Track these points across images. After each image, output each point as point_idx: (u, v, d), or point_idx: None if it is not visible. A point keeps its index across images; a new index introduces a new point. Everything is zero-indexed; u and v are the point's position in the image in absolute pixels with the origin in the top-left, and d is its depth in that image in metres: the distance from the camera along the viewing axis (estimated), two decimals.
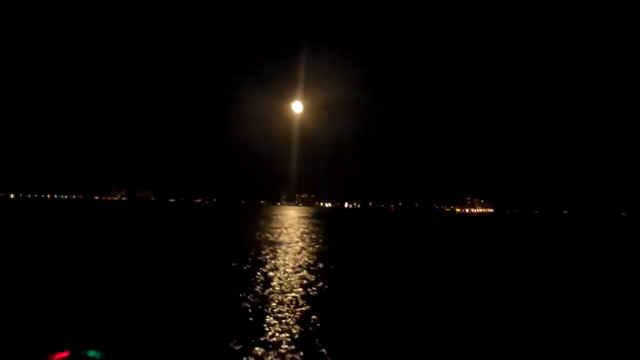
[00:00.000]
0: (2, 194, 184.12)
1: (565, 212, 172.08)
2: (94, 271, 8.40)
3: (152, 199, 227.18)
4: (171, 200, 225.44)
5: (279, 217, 35.15)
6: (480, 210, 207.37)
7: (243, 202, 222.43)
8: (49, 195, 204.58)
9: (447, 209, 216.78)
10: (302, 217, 32.29)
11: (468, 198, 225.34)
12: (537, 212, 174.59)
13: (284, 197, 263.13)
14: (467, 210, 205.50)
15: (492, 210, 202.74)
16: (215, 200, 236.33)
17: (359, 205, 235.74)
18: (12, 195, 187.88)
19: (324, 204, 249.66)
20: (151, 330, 4.91)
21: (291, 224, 24.00)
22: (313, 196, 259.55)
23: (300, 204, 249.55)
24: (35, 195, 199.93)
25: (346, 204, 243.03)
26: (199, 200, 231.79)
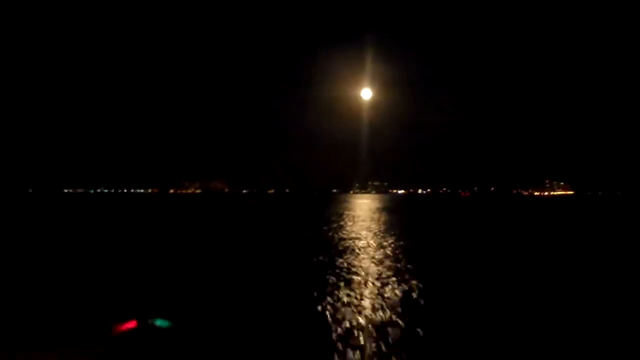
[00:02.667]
0: (80, 190, 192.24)
1: None
2: (168, 255, 8.78)
3: (226, 190, 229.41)
4: (244, 191, 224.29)
5: (348, 208, 32.91)
6: (560, 192, 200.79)
7: (315, 192, 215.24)
8: (125, 190, 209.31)
9: (525, 193, 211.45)
10: (373, 211, 28.34)
11: (547, 181, 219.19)
12: (619, 193, 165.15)
13: (357, 185, 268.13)
14: (545, 194, 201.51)
15: (572, 193, 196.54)
16: (287, 190, 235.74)
17: (430, 191, 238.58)
18: (91, 191, 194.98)
19: (396, 191, 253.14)
20: (217, 304, 5.03)
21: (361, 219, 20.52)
22: (385, 184, 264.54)
23: (373, 192, 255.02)
24: (112, 190, 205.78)
25: (420, 190, 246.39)
26: (272, 190, 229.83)
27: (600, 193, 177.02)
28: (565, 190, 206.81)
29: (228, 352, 3.42)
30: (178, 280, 6.40)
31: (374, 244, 10.59)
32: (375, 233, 13.43)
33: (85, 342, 2.96)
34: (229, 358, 3.34)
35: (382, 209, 31.70)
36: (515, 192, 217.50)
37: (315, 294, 5.56)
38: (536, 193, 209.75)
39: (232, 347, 3.53)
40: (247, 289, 5.91)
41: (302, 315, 4.65)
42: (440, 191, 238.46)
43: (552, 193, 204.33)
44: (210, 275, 6.80)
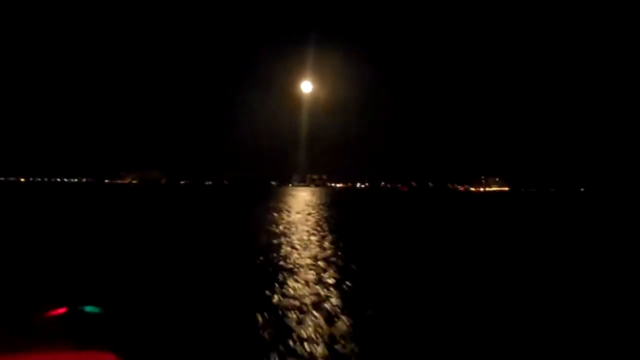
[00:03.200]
0: (13, 178, 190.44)
1: (582, 189, 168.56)
2: (102, 246, 8.67)
3: (163, 181, 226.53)
4: (182, 182, 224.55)
5: (287, 202, 32.77)
6: (495, 189, 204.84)
7: (254, 184, 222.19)
8: (59, 179, 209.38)
9: (462, 189, 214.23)
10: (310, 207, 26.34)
11: (482, 177, 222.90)
12: (553, 190, 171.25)
13: (295, 178, 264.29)
14: (481, 189, 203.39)
15: (507, 189, 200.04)
16: (225, 182, 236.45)
17: (369, 186, 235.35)
18: (22, 179, 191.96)
19: (335, 185, 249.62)
20: (150, 290, 5.15)
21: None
22: (324, 177, 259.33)
23: (312, 185, 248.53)
24: (46, 179, 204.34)
25: (358, 184, 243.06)
26: (209, 182, 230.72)
27: (534, 190, 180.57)
28: (500, 187, 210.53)
29: (162, 338, 3.69)
30: (114, 270, 6.41)
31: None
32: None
33: (13, 325, 3.07)
34: (162, 343, 3.60)
35: (324, 204, 29.56)
36: (451, 187, 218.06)
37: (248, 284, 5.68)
38: (472, 189, 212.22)
39: (166, 333, 3.79)
40: (182, 279, 5.94)
41: (235, 302, 4.78)
42: (379, 186, 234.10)
43: (487, 189, 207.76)
44: (147, 266, 6.79)
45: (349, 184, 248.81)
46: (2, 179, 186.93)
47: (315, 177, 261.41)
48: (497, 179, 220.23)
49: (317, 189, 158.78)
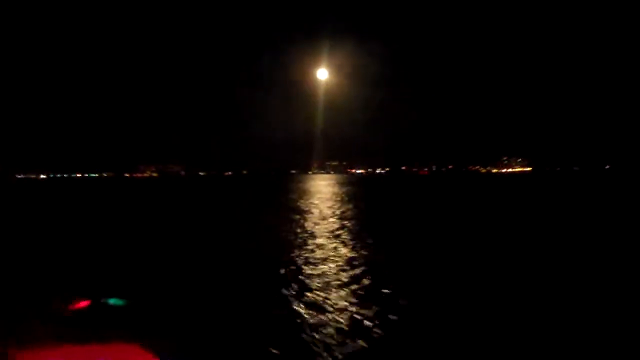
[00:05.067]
0: (33, 175, 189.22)
1: (607, 167, 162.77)
2: (124, 239, 9.05)
3: (182, 173, 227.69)
4: (201, 174, 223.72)
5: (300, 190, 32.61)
6: (518, 169, 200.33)
7: (273, 173, 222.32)
8: (79, 175, 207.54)
9: (483, 170, 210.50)
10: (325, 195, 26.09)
11: (505, 158, 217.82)
12: (577, 168, 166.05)
13: (315, 165, 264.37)
14: (503, 171, 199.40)
15: (530, 169, 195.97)
16: (245, 172, 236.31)
17: (389, 171, 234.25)
18: (43, 176, 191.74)
19: (355, 171, 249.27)
20: (171, 283, 5.28)
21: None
22: (344, 163, 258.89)
23: (332, 172, 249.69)
24: (65, 175, 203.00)
25: (378, 170, 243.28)
26: (229, 172, 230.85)
27: (558, 169, 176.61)
28: (522, 167, 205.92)
29: (183, 329, 3.64)
30: (139, 264, 6.55)
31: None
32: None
33: (40, 318, 3.17)
34: (183, 333, 3.56)
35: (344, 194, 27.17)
36: (472, 169, 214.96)
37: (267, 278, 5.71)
38: (494, 170, 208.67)
39: (188, 325, 3.76)
40: (206, 272, 6.02)
41: (255, 298, 4.79)
42: (399, 170, 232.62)
43: (509, 170, 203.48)
44: (172, 259, 6.92)
45: (369, 170, 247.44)
46: (22, 175, 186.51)
47: (334, 163, 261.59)
48: (519, 160, 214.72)
49: (336, 175, 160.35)
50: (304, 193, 27.63)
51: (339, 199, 21.78)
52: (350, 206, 17.04)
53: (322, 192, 29.73)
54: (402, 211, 15.48)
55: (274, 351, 3.48)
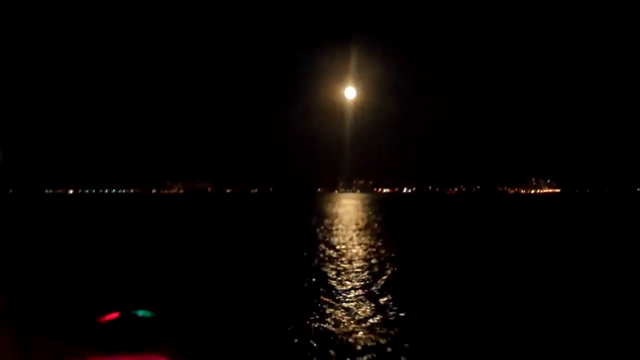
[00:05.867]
0: (61, 190, 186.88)
1: (639, 189, 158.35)
2: (153, 253, 9.62)
3: (209, 190, 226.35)
4: (228, 191, 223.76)
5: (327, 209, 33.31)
6: (546, 190, 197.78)
7: (300, 193, 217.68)
8: (106, 190, 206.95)
9: (511, 191, 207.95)
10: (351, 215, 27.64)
11: (533, 179, 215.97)
12: (607, 191, 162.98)
13: (341, 184, 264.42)
14: (531, 192, 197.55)
15: (559, 191, 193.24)
16: (271, 189, 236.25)
17: (416, 190, 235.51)
18: (70, 191, 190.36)
19: (381, 190, 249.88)
20: (200, 297, 5.53)
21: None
22: (370, 182, 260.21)
23: (358, 191, 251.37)
24: (94, 191, 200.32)
25: (405, 189, 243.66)
26: (255, 190, 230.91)
27: (587, 191, 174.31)
28: (552, 188, 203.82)
29: (213, 340, 3.89)
30: (167, 276, 6.87)
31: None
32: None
33: (68, 332, 3.28)
34: (213, 345, 3.79)
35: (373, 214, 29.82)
36: (501, 190, 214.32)
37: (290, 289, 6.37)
38: (522, 191, 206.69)
39: (217, 336, 4.03)
40: (233, 285, 6.53)
41: (281, 310, 5.18)
42: (426, 190, 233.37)
43: (538, 191, 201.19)
44: (199, 272, 7.44)
45: (396, 189, 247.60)
46: (50, 191, 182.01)
47: (361, 182, 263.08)
48: (548, 181, 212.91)
49: (363, 194, 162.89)
50: (333, 216, 27.32)
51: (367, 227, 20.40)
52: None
53: (352, 216, 28.32)
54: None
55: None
